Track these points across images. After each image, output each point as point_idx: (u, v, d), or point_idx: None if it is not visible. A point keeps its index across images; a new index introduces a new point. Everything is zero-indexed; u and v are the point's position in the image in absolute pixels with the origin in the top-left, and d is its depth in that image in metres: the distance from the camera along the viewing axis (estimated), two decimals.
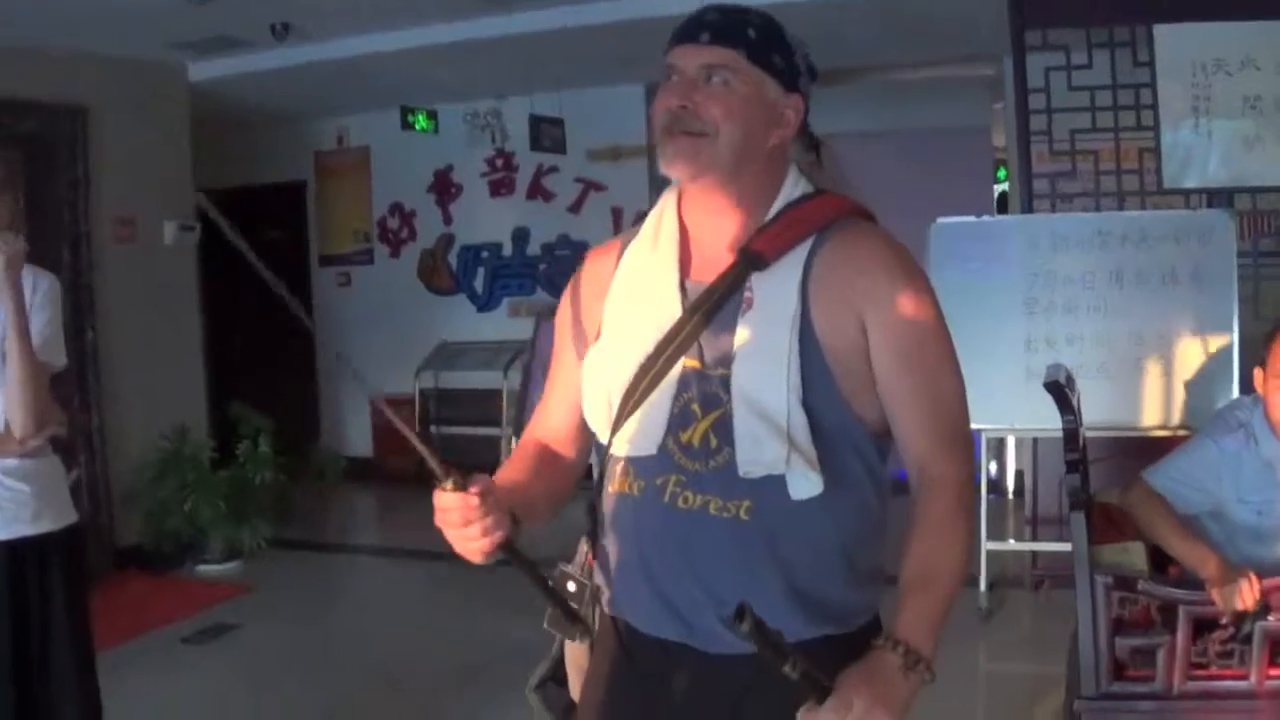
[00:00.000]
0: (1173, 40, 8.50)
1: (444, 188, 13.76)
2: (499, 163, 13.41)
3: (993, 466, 11.11)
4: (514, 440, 12.08)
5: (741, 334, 2.49)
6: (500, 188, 13.46)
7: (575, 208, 13.17)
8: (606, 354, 2.58)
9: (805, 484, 2.45)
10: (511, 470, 2.71)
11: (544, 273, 13.43)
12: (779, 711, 2.30)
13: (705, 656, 2.55)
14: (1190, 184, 8.62)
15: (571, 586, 2.67)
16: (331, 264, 14.25)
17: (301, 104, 12.84)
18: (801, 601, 2.52)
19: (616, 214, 12.89)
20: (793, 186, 2.63)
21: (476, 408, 12.95)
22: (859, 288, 2.49)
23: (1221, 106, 8.42)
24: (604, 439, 2.59)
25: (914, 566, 2.44)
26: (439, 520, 2.39)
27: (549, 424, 2.82)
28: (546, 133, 12.26)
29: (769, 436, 2.43)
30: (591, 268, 2.83)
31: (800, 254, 2.53)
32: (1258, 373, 4.92)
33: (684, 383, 2.54)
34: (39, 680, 4.57)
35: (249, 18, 9.26)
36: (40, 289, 4.44)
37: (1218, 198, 8.62)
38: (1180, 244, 8.07)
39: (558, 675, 2.94)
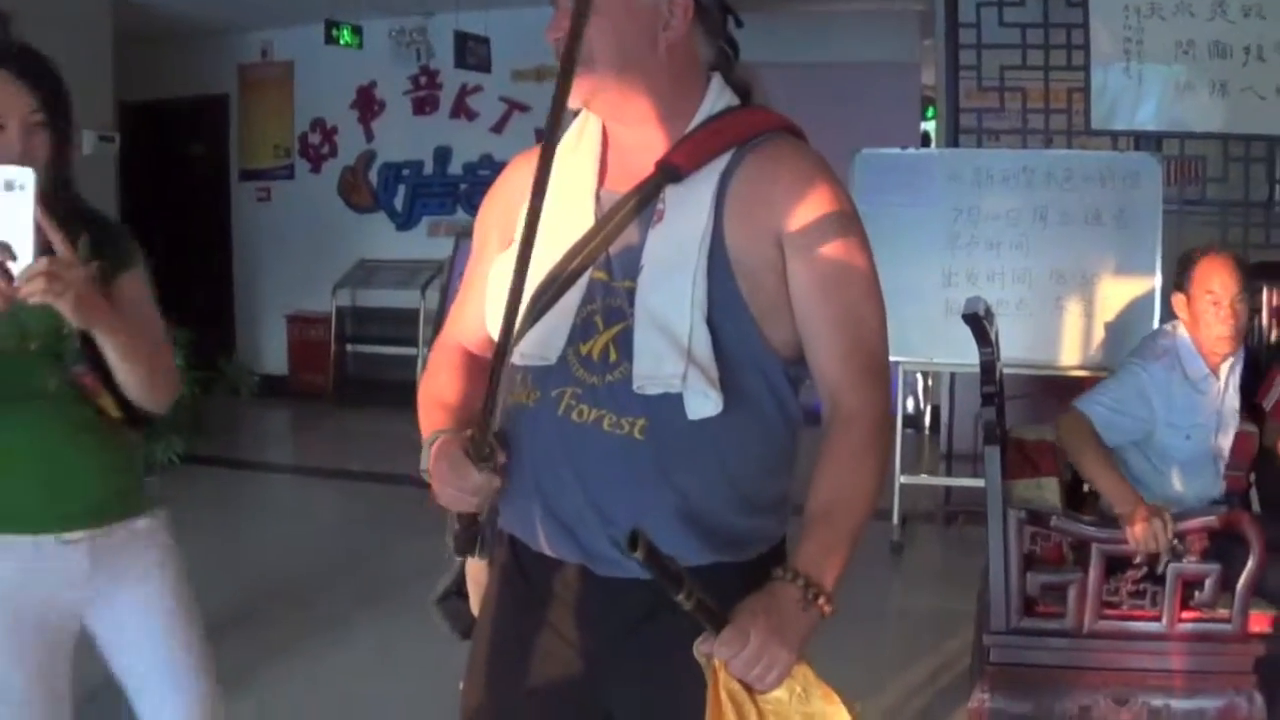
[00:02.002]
0: None
1: (367, 104, 13.70)
2: (423, 80, 13.37)
3: (909, 401, 11.14)
4: None
5: (650, 247, 2.41)
6: (424, 106, 13.41)
7: (498, 128, 13.15)
8: (507, 265, 2.46)
9: (704, 403, 2.36)
10: (454, 388, 2.67)
11: (465, 192, 13.40)
12: (678, 640, 2.25)
13: (600, 580, 2.48)
14: (1118, 127, 8.64)
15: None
16: (252, 179, 14.17)
17: (226, 16, 12.77)
18: (694, 526, 2.44)
19: (539, 135, 12.67)
20: (716, 97, 2.53)
21: (393, 326, 12.96)
22: (779, 206, 2.41)
23: (1153, 50, 8.41)
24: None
25: (820, 499, 2.36)
26: (454, 485, 2.39)
27: (466, 327, 2.73)
28: (472, 51, 12.17)
29: (668, 352, 2.34)
30: (511, 174, 2.73)
31: (717, 167, 2.44)
32: (1179, 298, 5.11)
33: (590, 294, 2.46)
34: None
35: None
36: None
37: (1145, 142, 8.64)
38: (1106, 186, 8.08)
39: (461, 589, 2.88)
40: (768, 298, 2.40)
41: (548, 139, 2.17)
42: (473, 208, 12.55)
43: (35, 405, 3.03)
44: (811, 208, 2.40)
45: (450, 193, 13.47)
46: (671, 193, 2.42)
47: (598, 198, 2.48)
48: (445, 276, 12.19)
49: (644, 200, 2.42)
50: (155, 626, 3.30)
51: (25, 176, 2.40)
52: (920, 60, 12.90)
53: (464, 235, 12.33)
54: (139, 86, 12.18)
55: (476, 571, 2.77)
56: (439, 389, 2.66)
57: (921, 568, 8.20)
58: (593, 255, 2.43)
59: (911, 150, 9.99)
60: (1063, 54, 9.07)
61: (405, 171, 13.67)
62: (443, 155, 13.45)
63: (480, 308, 2.60)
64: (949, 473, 9.32)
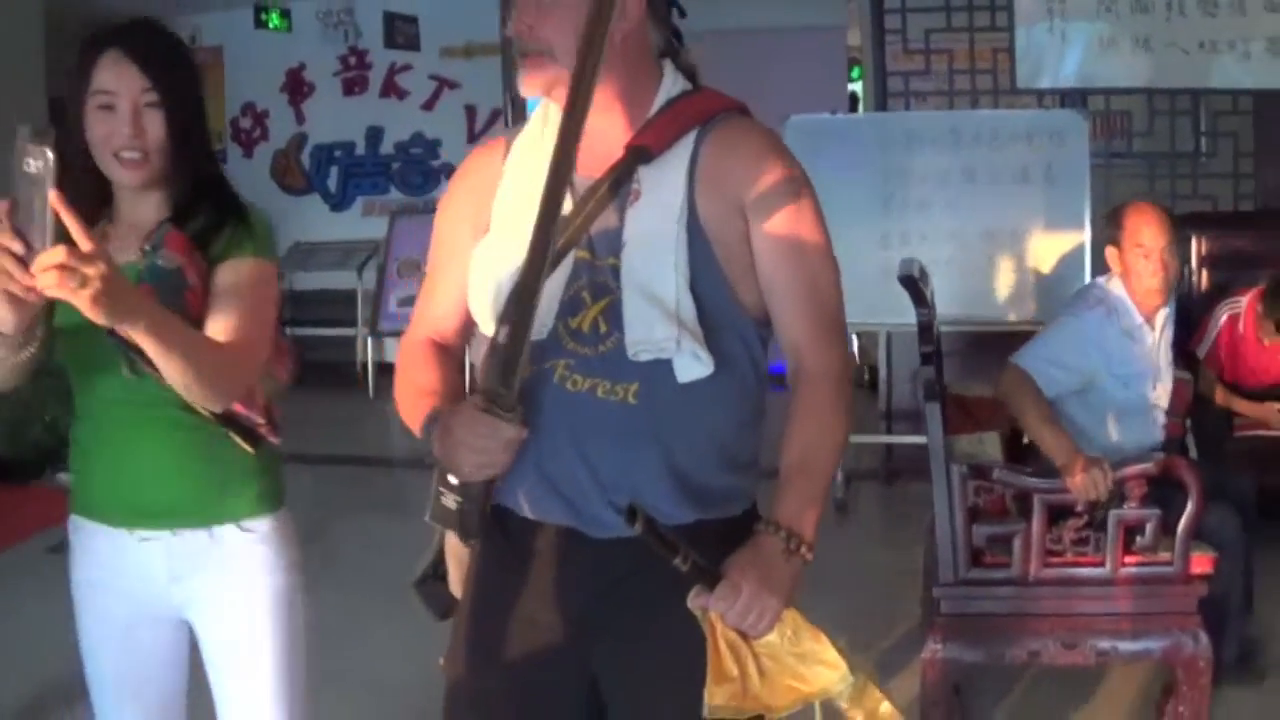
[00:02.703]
0: None
1: (296, 87, 13.69)
2: (352, 61, 13.35)
3: None
4: (369, 340, 12.07)
5: (631, 224, 2.54)
6: (353, 86, 13.39)
7: (429, 105, 13.16)
8: (495, 247, 2.58)
9: (695, 365, 2.49)
10: (435, 376, 2.72)
11: (398, 171, 13.43)
12: (661, 594, 2.41)
13: (590, 540, 2.58)
14: (1043, 85, 8.75)
15: (452, 480, 2.58)
16: None
17: (154, 4, 12.58)
18: (682, 486, 2.56)
19: (470, 112, 12.95)
20: (672, 83, 2.66)
21: (331, 308, 12.90)
22: (741, 179, 2.55)
23: (1076, 8, 8.53)
24: (488, 330, 2.56)
25: (793, 454, 2.51)
26: (484, 443, 2.41)
27: (438, 319, 2.81)
28: (400, 30, 12.21)
29: (659, 319, 2.47)
30: (476, 164, 2.83)
31: (686, 146, 2.57)
32: (1111, 251, 5.28)
33: (575, 272, 2.57)
34: None
35: None
36: None
37: (1071, 99, 8.79)
38: (1033, 144, 8.20)
39: (439, 570, 2.96)
40: (738, 264, 2.55)
41: (564, 137, 2.34)
42: (406, 186, 12.65)
43: (115, 392, 2.92)
44: (769, 179, 2.55)
45: (383, 172, 13.45)
46: (644, 173, 2.54)
47: (572, 184, 2.53)
48: (381, 256, 12.22)
49: (618, 182, 2.53)
50: (233, 644, 3.13)
51: (42, 157, 2.25)
52: (845, 23, 12.97)
53: (399, 214, 12.37)
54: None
55: (457, 547, 2.83)
56: (420, 381, 2.72)
57: (867, 525, 8.34)
58: (574, 236, 2.52)
59: (841, 115, 10.14)
60: (986, 15, 9.18)
61: (337, 153, 13.66)
62: (374, 135, 13.43)
63: (451, 299, 2.72)
64: (889, 431, 9.42)
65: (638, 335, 2.48)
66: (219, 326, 2.78)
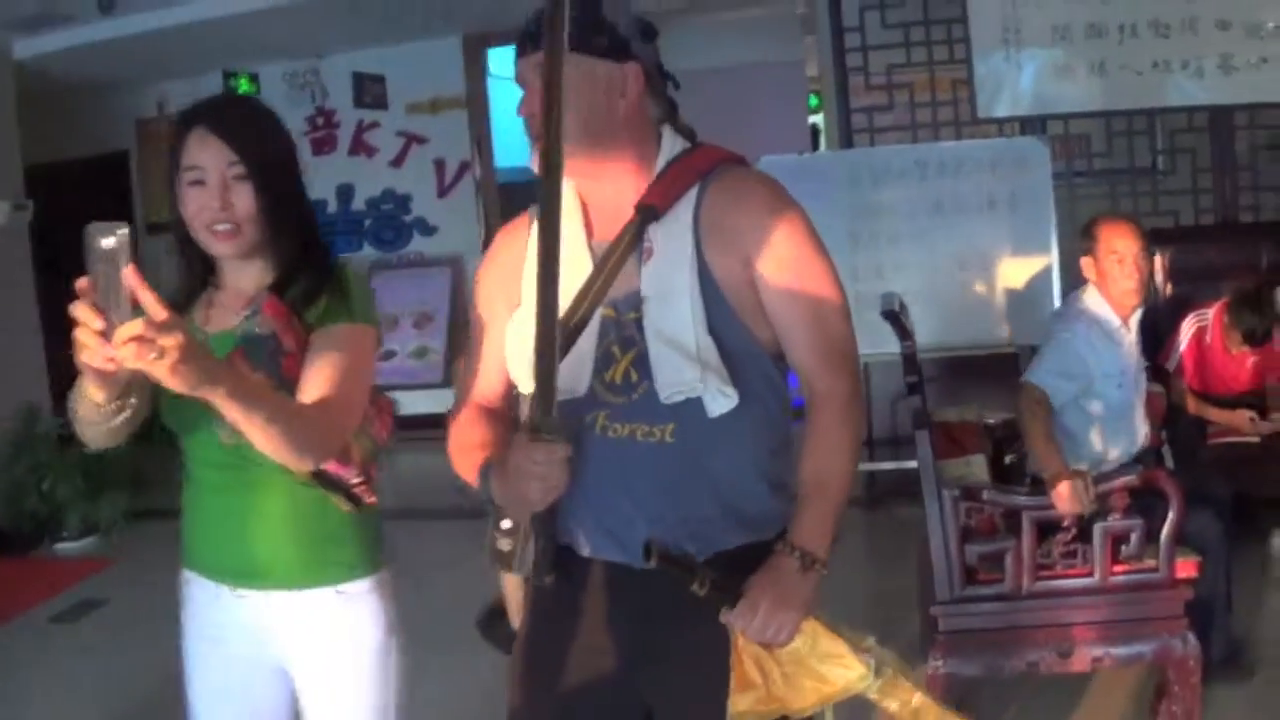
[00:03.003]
0: None
1: None
2: (319, 121, 13.37)
3: None
4: None
5: (647, 279, 2.77)
6: (322, 146, 13.37)
7: (398, 161, 13.20)
8: (529, 317, 2.74)
9: (721, 400, 2.72)
10: (488, 433, 2.93)
11: (370, 228, 13.45)
12: (693, 613, 2.67)
13: (637, 573, 2.76)
14: (1003, 113, 8.91)
15: (505, 524, 2.80)
16: (160, 232, 13.59)
17: (122, 73, 12.65)
18: (726, 512, 2.81)
19: (439, 166, 13.05)
20: (671, 144, 2.91)
21: None
22: (742, 227, 2.77)
23: (1032, 36, 8.67)
24: (527, 390, 2.78)
25: (806, 476, 2.75)
26: (545, 466, 2.61)
27: (484, 389, 3.05)
28: (369, 89, 12.32)
29: (684, 363, 2.70)
30: (503, 243, 3.07)
31: (689, 202, 2.80)
32: (1086, 261, 5.54)
33: (603, 330, 2.81)
34: None
35: None
36: None
37: (1031, 125, 8.95)
38: (996, 172, 8.40)
39: (498, 608, 3.18)
40: (749, 303, 2.78)
41: (544, 219, 2.56)
42: (379, 242, 12.77)
43: (213, 455, 3.02)
44: (767, 224, 2.78)
45: (355, 229, 13.43)
46: (654, 230, 2.78)
47: (590, 248, 2.84)
48: None
49: (632, 242, 2.78)
50: (327, 701, 3.19)
51: (115, 235, 2.28)
52: (804, 56, 13.14)
53: (374, 269, 12.46)
54: (40, 149, 12.10)
55: (514, 587, 3.06)
56: (474, 438, 2.93)
57: (854, 550, 8.37)
58: (598, 297, 2.78)
59: (809, 155, 10.31)
60: (945, 48, 9.37)
61: None
62: (345, 192, 13.45)
63: (494, 370, 2.99)
64: (871, 458, 9.56)
65: (667, 379, 2.72)
66: (311, 390, 2.85)
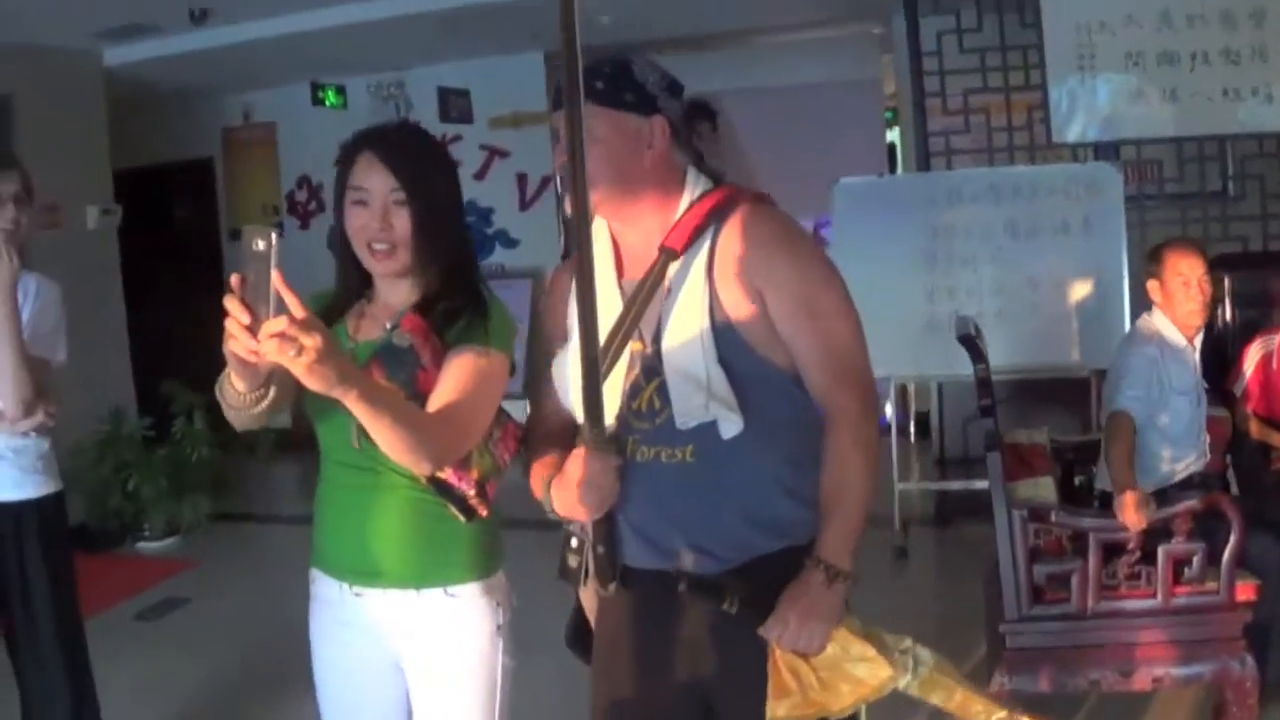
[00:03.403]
0: (1058, 2, 8.82)
1: None
2: None
3: (899, 411, 11.43)
4: None
5: (666, 316, 3.05)
6: None
7: (481, 174, 13.28)
8: (573, 350, 3.00)
9: (730, 425, 2.99)
10: (551, 453, 3.19)
11: None
12: (735, 623, 3.02)
13: (685, 577, 3.07)
14: (1076, 137, 8.99)
15: (574, 542, 3.24)
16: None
17: (209, 82, 12.89)
18: (754, 522, 3.08)
19: (521, 180, 13.19)
20: (693, 186, 3.17)
21: None
22: (752, 265, 3.02)
23: (1105, 63, 8.77)
24: (580, 416, 3.03)
25: (828, 491, 3.05)
26: (603, 474, 2.94)
27: (544, 415, 3.32)
28: (454, 104, 12.36)
29: (694, 392, 2.98)
30: (555, 282, 3.36)
31: (704, 243, 3.07)
32: (1153, 284, 5.73)
33: (632, 362, 3.10)
34: (27, 648, 4.85)
35: (168, 4, 9.39)
36: (43, 294, 4.75)
37: (1104, 150, 9.06)
38: (1070, 196, 8.50)
39: (580, 622, 3.42)
40: (761, 334, 3.04)
41: (580, 268, 2.79)
42: None
43: (344, 455, 3.22)
44: (776, 260, 3.04)
45: None
46: (674, 270, 3.06)
47: (621, 287, 3.14)
48: None
49: (655, 282, 3.07)
50: (435, 701, 3.34)
51: (268, 238, 2.43)
52: (880, 75, 13.29)
53: None
54: (126, 154, 12.22)
55: (589, 597, 3.31)
56: (538, 459, 3.22)
57: (924, 568, 8.57)
58: (629, 333, 3.07)
59: (886, 177, 10.44)
60: (1020, 74, 9.48)
61: None
62: None
63: (551, 397, 3.26)
64: (943, 477, 9.64)
65: (681, 408, 3.01)
66: (438, 404, 3.02)
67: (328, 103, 12.47)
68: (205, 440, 9.95)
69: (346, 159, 3.20)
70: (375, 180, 3.12)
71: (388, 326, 3.18)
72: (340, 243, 3.24)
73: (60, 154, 9.85)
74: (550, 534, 3.36)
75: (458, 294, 3.22)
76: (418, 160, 3.20)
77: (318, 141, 13.29)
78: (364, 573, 3.28)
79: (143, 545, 10.00)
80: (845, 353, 3.07)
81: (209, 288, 13.56)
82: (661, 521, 3.09)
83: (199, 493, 9.90)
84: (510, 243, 13.43)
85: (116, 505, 9.75)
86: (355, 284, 3.30)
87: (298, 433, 3.34)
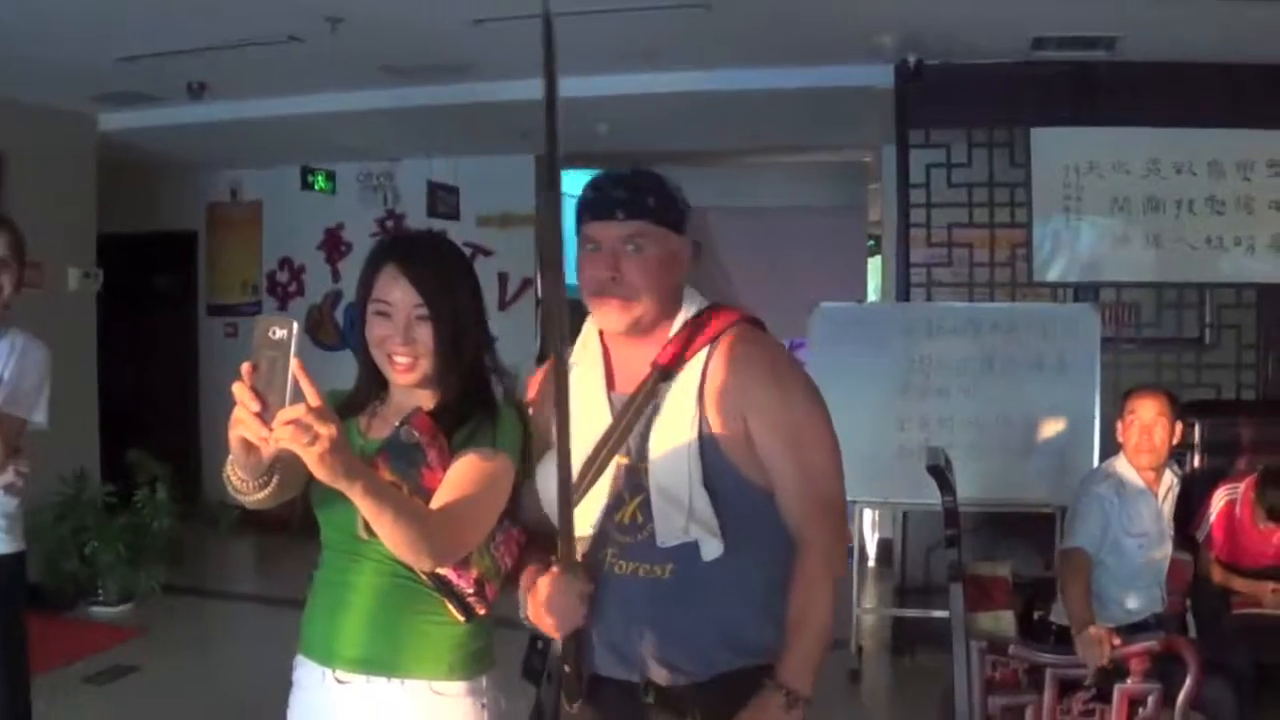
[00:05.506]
0: (1048, 143, 9.05)
1: (334, 245, 13.91)
2: (389, 224, 13.55)
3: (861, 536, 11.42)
4: None
5: (654, 434, 3.10)
6: None
7: None
8: (549, 463, 3.05)
9: (711, 548, 3.05)
10: (531, 560, 3.22)
11: None
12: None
13: (652, 688, 3.12)
14: (1057, 277, 9.17)
15: (539, 644, 3.30)
16: (220, 314, 14.24)
17: (200, 155, 13.01)
18: (728, 641, 3.12)
19: (503, 279, 13.23)
20: (689, 304, 3.23)
21: None
22: (741, 391, 3.09)
23: (1091, 205, 8.99)
24: (557, 524, 3.04)
25: (792, 617, 3.08)
26: (559, 605, 2.98)
27: (535, 512, 3.26)
28: (442, 199, 12.54)
29: (675, 513, 3.03)
30: (539, 384, 3.38)
31: (697, 363, 3.13)
32: (1119, 426, 5.88)
33: (617, 475, 3.15)
34: None
35: (168, 75, 9.47)
36: (29, 354, 4.76)
37: (1084, 290, 9.19)
38: (1047, 334, 8.57)
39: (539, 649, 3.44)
40: (747, 457, 3.10)
41: (558, 395, 2.89)
42: None
43: (344, 543, 3.19)
44: (765, 390, 3.11)
45: None
46: (664, 389, 3.11)
47: (610, 400, 3.18)
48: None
49: (647, 397, 3.12)
50: None
51: (287, 326, 2.46)
52: (866, 202, 13.38)
53: None
54: (112, 219, 12.12)
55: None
56: (528, 562, 3.23)
57: (878, 694, 8.56)
58: (616, 446, 3.12)
59: (867, 304, 10.52)
60: (1006, 210, 9.54)
61: None
62: None
63: (537, 501, 3.23)
64: (901, 605, 9.64)
65: (662, 527, 3.05)
66: (441, 501, 3.00)
67: (317, 187, 12.54)
68: (167, 510, 9.99)
69: (372, 267, 3.18)
70: (399, 294, 3.11)
71: (396, 424, 3.17)
72: (361, 347, 3.24)
73: (48, 213, 9.83)
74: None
75: (471, 402, 3.20)
76: (442, 275, 3.17)
77: (303, 224, 13.51)
78: (350, 659, 3.22)
79: (96, 610, 9.97)
80: (824, 487, 3.12)
81: (183, 360, 13.48)
82: (633, 635, 3.13)
83: (156, 562, 9.93)
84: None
85: (72, 568, 9.76)
86: (373, 386, 3.30)
87: (260, 511, 3.32)
